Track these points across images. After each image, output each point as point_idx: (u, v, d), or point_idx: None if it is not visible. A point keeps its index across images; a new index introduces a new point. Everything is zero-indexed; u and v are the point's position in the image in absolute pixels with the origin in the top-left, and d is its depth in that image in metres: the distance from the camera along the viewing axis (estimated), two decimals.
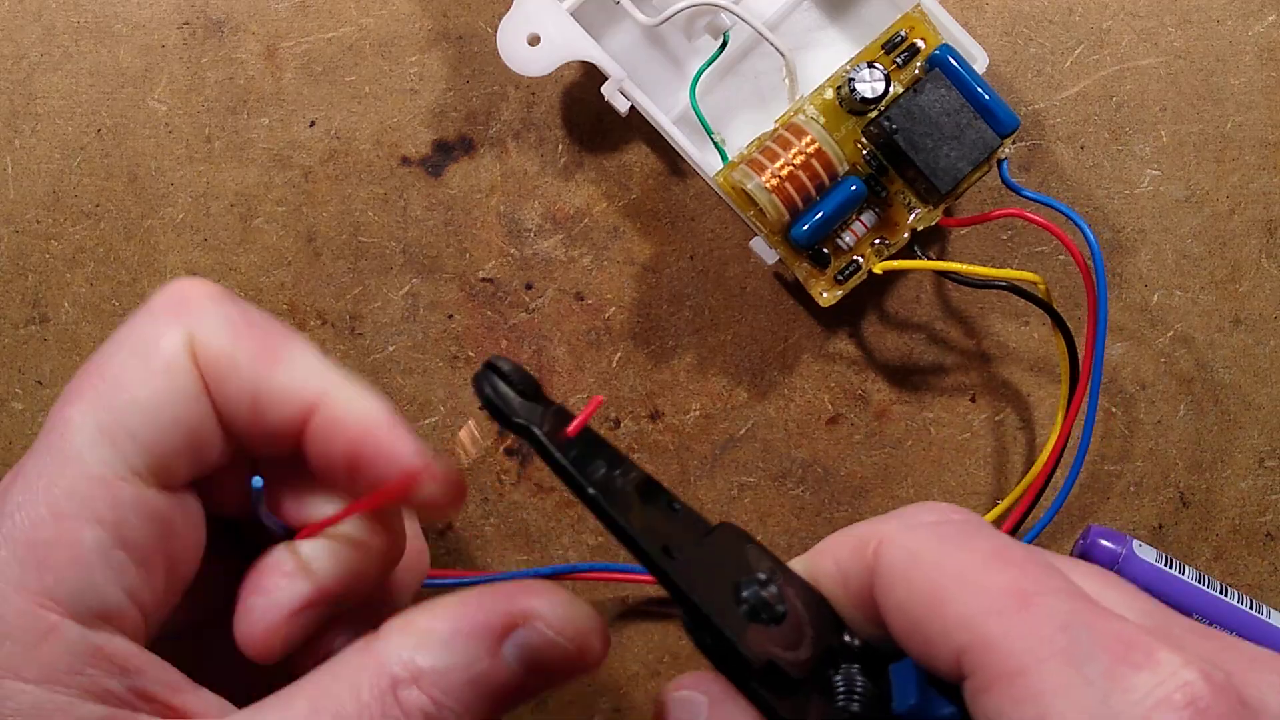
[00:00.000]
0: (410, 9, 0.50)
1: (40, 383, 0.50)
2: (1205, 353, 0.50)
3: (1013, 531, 0.48)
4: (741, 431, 0.50)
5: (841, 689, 0.29)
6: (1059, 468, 0.48)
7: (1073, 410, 0.47)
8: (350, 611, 0.37)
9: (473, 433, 0.36)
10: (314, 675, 0.32)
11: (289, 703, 0.31)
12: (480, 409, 0.30)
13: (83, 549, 0.31)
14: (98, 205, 0.50)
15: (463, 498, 0.35)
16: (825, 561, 0.31)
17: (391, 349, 0.50)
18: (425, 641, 0.31)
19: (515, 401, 0.29)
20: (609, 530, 0.29)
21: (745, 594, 0.29)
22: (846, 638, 0.30)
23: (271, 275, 0.50)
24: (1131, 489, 0.50)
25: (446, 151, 0.50)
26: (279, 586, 0.34)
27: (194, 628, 0.36)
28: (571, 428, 0.29)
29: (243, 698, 0.33)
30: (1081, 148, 0.50)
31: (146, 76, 0.50)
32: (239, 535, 0.37)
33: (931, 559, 0.28)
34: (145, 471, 0.32)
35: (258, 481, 0.33)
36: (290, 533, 0.35)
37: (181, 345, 0.32)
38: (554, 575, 0.49)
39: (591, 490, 0.29)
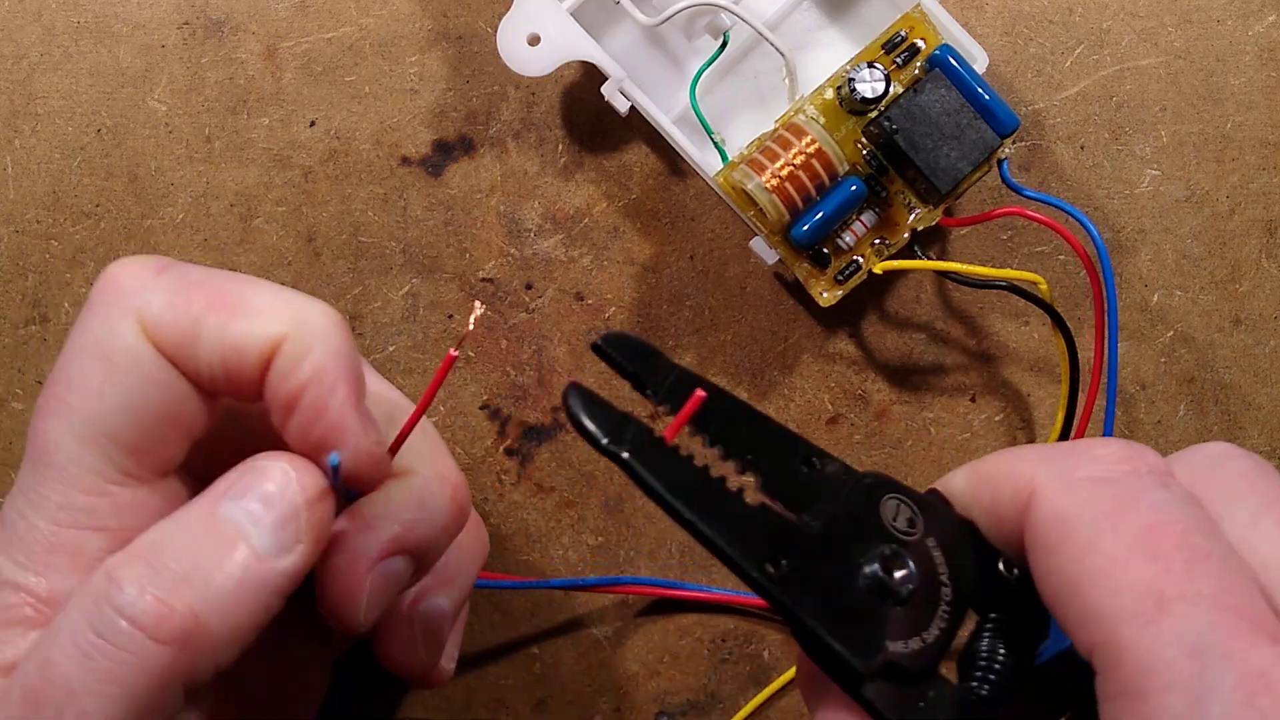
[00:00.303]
0: (410, 9, 0.50)
1: (40, 383, 0.50)
2: (1205, 353, 0.50)
3: None
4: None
5: (982, 660, 0.28)
6: None
7: (1086, 410, 0.46)
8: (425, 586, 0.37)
9: (478, 315, 0.35)
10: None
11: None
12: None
13: (88, 559, 0.31)
14: (98, 205, 0.50)
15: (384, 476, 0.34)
16: (981, 490, 0.29)
17: (391, 349, 0.50)
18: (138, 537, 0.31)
19: (604, 422, 0.28)
20: (718, 558, 0.28)
21: (866, 575, 0.28)
22: (1001, 567, 0.29)
23: (271, 275, 0.50)
24: None
25: (446, 151, 0.50)
26: (355, 541, 0.33)
27: None
28: (669, 431, 0.29)
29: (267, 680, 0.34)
30: (1081, 148, 0.50)
31: (146, 76, 0.50)
32: None
33: (1082, 534, 0.26)
34: (136, 469, 0.32)
35: (334, 458, 0.32)
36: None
37: (136, 332, 0.32)
38: (564, 588, 0.49)
39: (689, 515, 0.28)
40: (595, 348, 0.30)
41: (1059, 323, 0.46)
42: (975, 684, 0.28)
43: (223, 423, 0.35)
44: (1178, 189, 0.50)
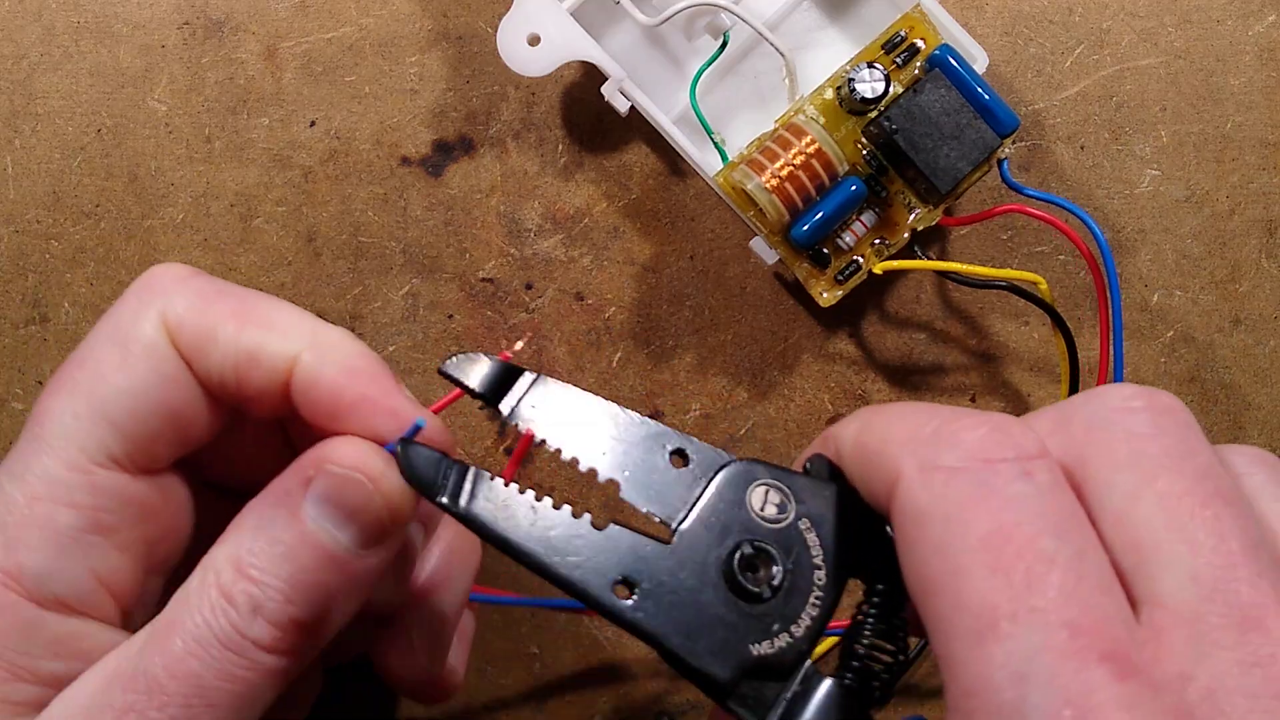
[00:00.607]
0: (410, 9, 0.50)
1: (40, 383, 0.50)
2: (1205, 353, 0.50)
3: None
4: (741, 431, 0.50)
5: (858, 646, 0.28)
6: None
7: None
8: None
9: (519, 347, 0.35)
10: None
11: (139, 633, 0.31)
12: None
13: (55, 533, 0.31)
14: (98, 205, 0.50)
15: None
16: (857, 467, 0.29)
17: (391, 349, 0.50)
18: (239, 531, 0.32)
19: (439, 475, 0.30)
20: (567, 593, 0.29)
21: (726, 575, 0.29)
22: (890, 529, 0.28)
23: (271, 275, 0.50)
24: None
25: (446, 151, 0.50)
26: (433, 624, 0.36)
27: None
28: (506, 472, 0.30)
29: None
30: (1081, 148, 0.50)
31: (146, 76, 0.50)
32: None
33: (933, 535, 0.25)
34: (124, 457, 0.32)
35: (420, 421, 0.32)
36: None
37: (157, 327, 0.33)
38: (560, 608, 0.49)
39: (534, 558, 0.29)
40: (441, 373, 0.31)
41: (1059, 323, 0.46)
42: (849, 674, 0.28)
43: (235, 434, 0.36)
44: (1178, 189, 0.50)
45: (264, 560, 0.31)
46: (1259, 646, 0.22)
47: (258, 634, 0.30)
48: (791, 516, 0.29)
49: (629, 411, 0.31)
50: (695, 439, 0.30)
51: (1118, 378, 0.47)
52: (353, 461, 0.32)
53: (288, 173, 0.50)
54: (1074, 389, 0.46)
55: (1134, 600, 0.24)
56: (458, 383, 0.31)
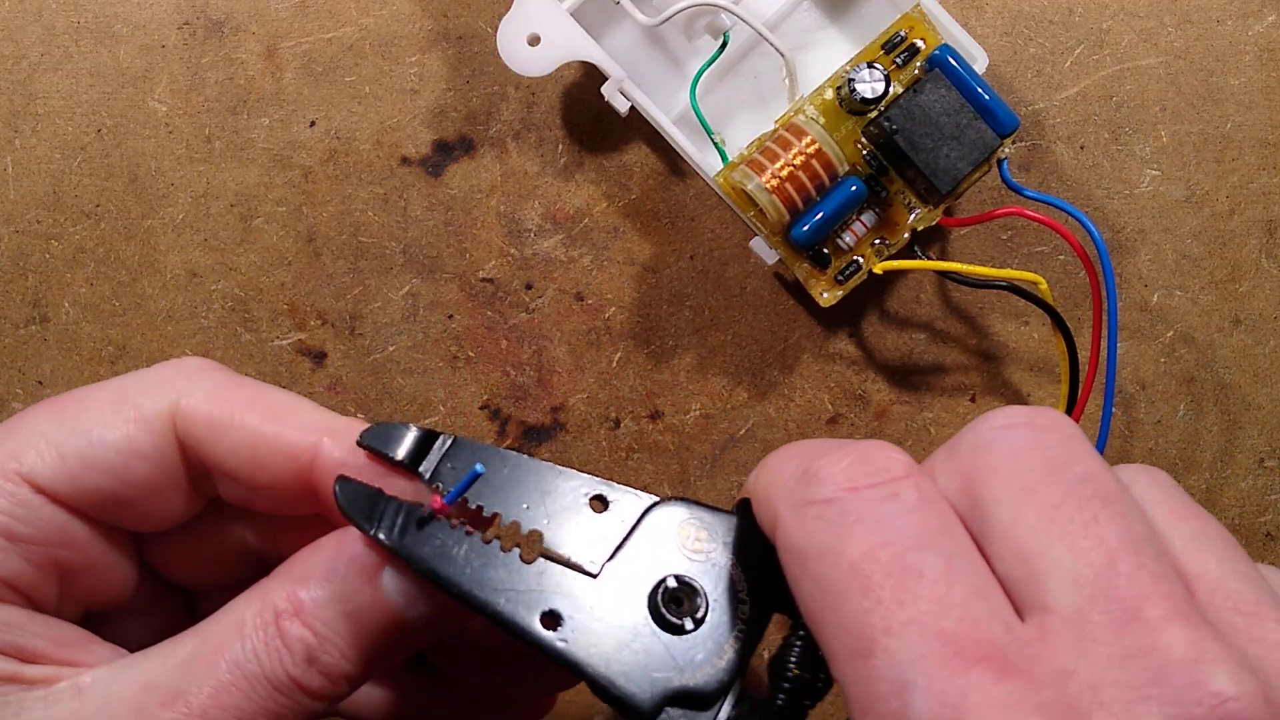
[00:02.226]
0: (410, 9, 0.50)
1: (40, 383, 0.50)
2: (1205, 353, 0.50)
3: None
4: (741, 431, 0.50)
5: (785, 671, 0.29)
6: None
7: (1078, 407, 0.47)
8: None
9: None
10: (208, 618, 0.32)
11: (179, 641, 0.32)
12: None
13: None
14: (98, 205, 0.50)
15: None
16: (760, 505, 0.29)
17: (391, 349, 0.50)
18: (306, 575, 0.32)
19: (369, 510, 0.30)
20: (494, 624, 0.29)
21: (650, 606, 0.29)
22: None
23: (271, 275, 0.50)
24: None
25: (446, 151, 0.50)
26: None
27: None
28: (437, 503, 0.30)
29: None
30: (1081, 148, 0.50)
31: (147, 76, 0.50)
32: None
33: (811, 569, 0.26)
34: (64, 495, 0.32)
35: (479, 468, 0.32)
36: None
37: (163, 408, 0.33)
38: None
39: (459, 589, 0.29)
40: (360, 444, 0.32)
41: (1059, 323, 0.46)
42: (779, 696, 0.29)
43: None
44: (1178, 189, 0.50)
45: (329, 615, 0.31)
46: (1137, 638, 0.23)
47: (308, 681, 0.31)
48: (716, 553, 0.30)
49: (546, 463, 0.31)
50: (615, 484, 0.31)
51: (1110, 380, 0.47)
52: None
53: (288, 173, 0.50)
54: (1074, 389, 0.46)
55: (1024, 609, 0.25)
56: (377, 452, 0.32)
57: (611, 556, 0.30)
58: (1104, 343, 0.47)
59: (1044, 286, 0.45)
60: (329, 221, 0.50)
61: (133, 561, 0.35)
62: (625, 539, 0.30)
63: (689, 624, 0.29)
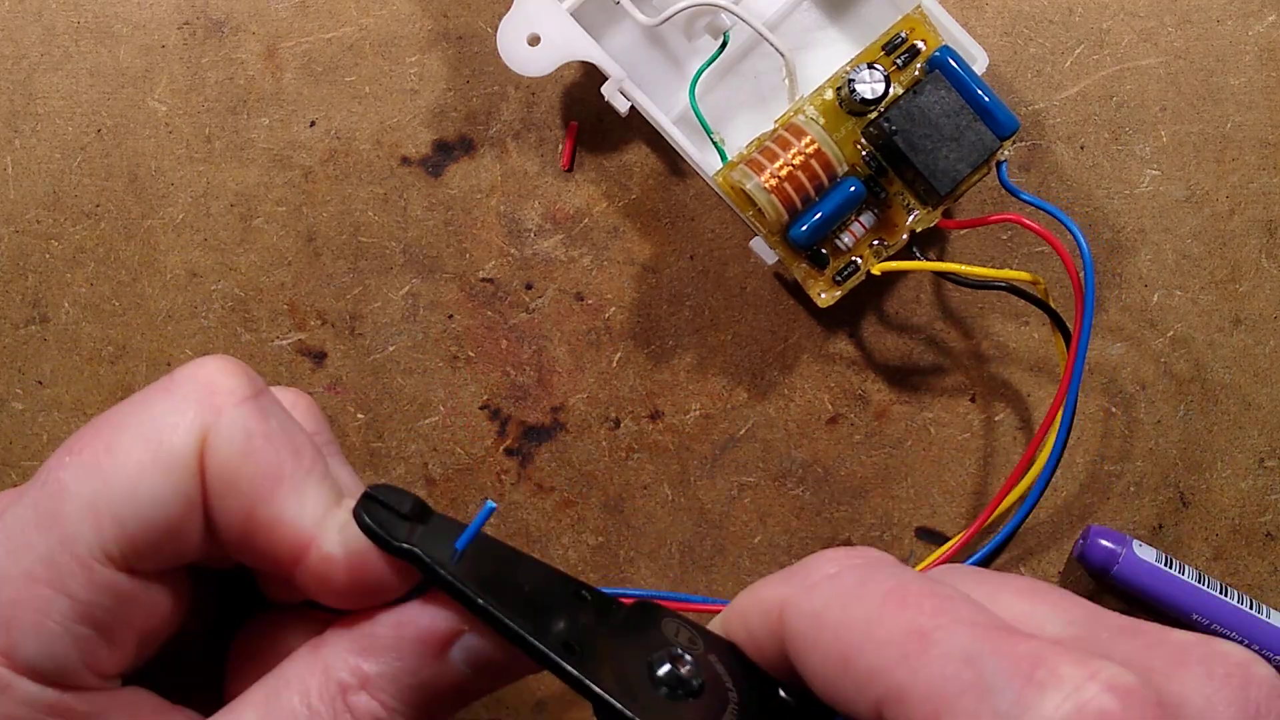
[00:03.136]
0: (410, 9, 0.50)
1: (40, 383, 0.50)
2: (1205, 353, 0.50)
3: (1009, 536, 0.49)
4: (741, 431, 0.50)
5: None
6: (1058, 468, 0.48)
7: (1050, 414, 0.47)
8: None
9: None
10: (263, 682, 0.32)
11: (238, 710, 0.31)
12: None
13: (49, 618, 0.31)
14: (98, 205, 0.50)
15: None
16: (737, 629, 0.31)
17: (391, 349, 0.50)
18: (371, 647, 0.31)
19: (397, 529, 0.30)
20: (510, 640, 0.29)
21: (659, 671, 0.29)
22: (783, 694, 0.30)
23: (271, 275, 0.50)
24: (1131, 489, 0.50)
25: (446, 151, 0.51)
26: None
27: (178, 652, 0.36)
28: (461, 541, 0.30)
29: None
30: (1081, 148, 0.50)
31: (146, 76, 0.50)
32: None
33: (834, 617, 0.27)
34: (120, 557, 0.31)
35: (491, 504, 0.32)
36: None
37: (193, 444, 0.32)
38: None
39: (481, 601, 0.29)
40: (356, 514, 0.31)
41: (1057, 322, 0.46)
42: None
43: None
44: (1178, 189, 0.50)
45: (397, 688, 0.31)
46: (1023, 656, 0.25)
47: None
48: (701, 650, 0.30)
49: (529, 556, 0.32)
50: (591, 586, 0.32)
51: (1074, 388, 0.46)
52: None
53: (288, 173, 0.50)
54: (1074, 388, 0.47)
55: None
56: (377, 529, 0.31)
57: (609, 626, 0.31)
58: (1074, 360, 0.47)
59: (1042, 285, 0.46)
60: (329, 221, 0.50)
61: (185, 592, 0.34)
62: (613, 620, 0.31)
63: (693, 688, 0.29)
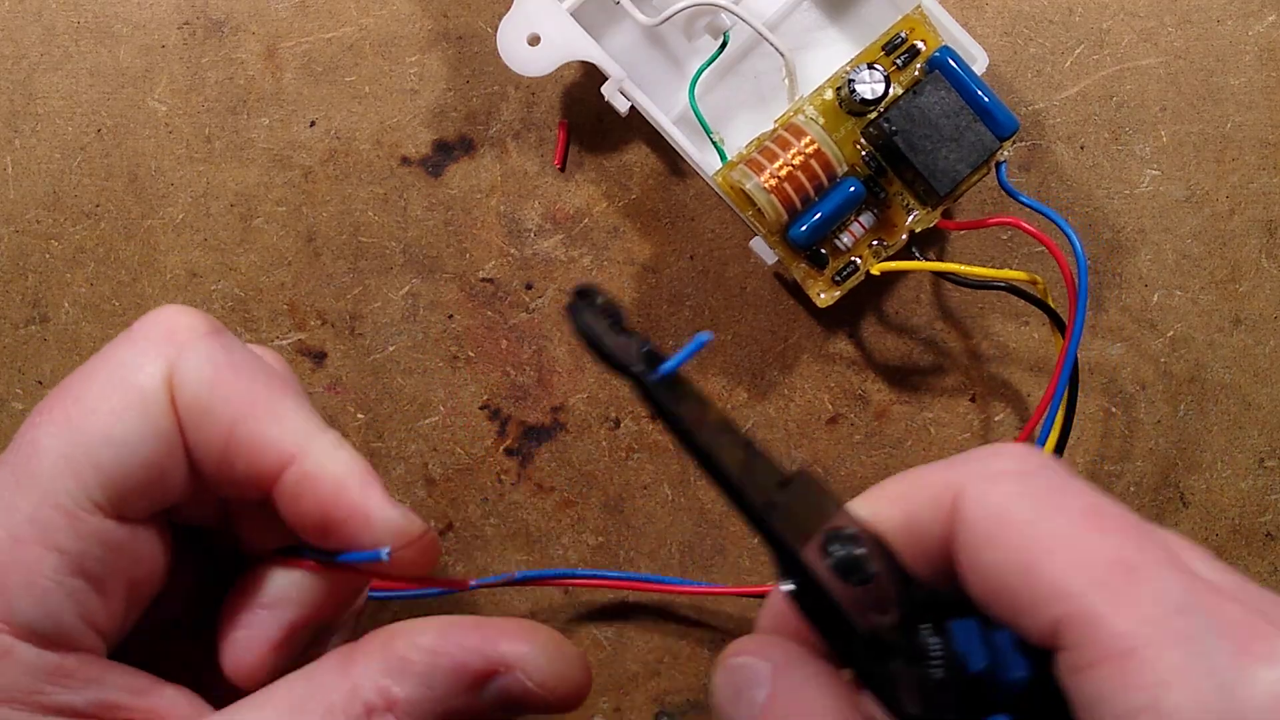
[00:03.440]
0: (410, 9, 0.51)
1: (40, 382, 0.50)
2: (1205, 353, 0.51)
3: None
4: (742, 431, 0.51)
5: (932, 652, 0.28)
6: None
7: (1039, 409, 0.47)
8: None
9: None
10: (289, 682, 0.32)
11: (260, 708, 0.32)
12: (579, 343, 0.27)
13: (40, 576, 0.31)
14: (98, 205, 0.50)
15: (435, 559, 0.35)
16: (892, 510, 0.29)
17: (391, 349, 0.50)
18: (403, 670, 0.31)
19: (613, 341, 0.27)
20: (717, 484, 0.27)
21: (834, 552, 0.28)
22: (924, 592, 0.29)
23: (271, 275, 0.50)
24: (1131, 489, 0.51)
25: (446, 151, 0.51)
26: (260, 620, 0.34)
27: (161, 627, 0.36)
28: (666, 366, 0.27)
29: (213, 689, 0.34)
30: (1081, 148, 0.51)
31: (146, 76, 0.51)
32: (203, 538, 0.37)
33: (1022, 518, 0.26)
34: (107, 504, 0.32)
35: (706, 335, 0.29)
36: None
37: (160, 380, 0.32)
38: (555, 579, 0.49)
39: (702, 448, 0.27)
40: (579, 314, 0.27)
41: (1056, 322, 0.47)
42: (932, 666, 0.28)
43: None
44: (1178, 189, 0.51)
45: (420, 716, 0.31)
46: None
47: None
48: (868, 535, 0.29)
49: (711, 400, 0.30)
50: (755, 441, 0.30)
51: (1058, 393, 0.46)
52: (543, 679, 0.32)
53: (288, 173, 0.51)
54: (1073, 390, 0.47)
55: None
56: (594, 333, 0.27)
57: (780, 493, 0.28)
58: (1063, 362, 0.47)
59: (1041, 285, 0.46)
60: (329, 221, 0.51)
61: (168, 542, 0.35)
62: (782, 487, 0.29)
63: (866, 576, 0.28)
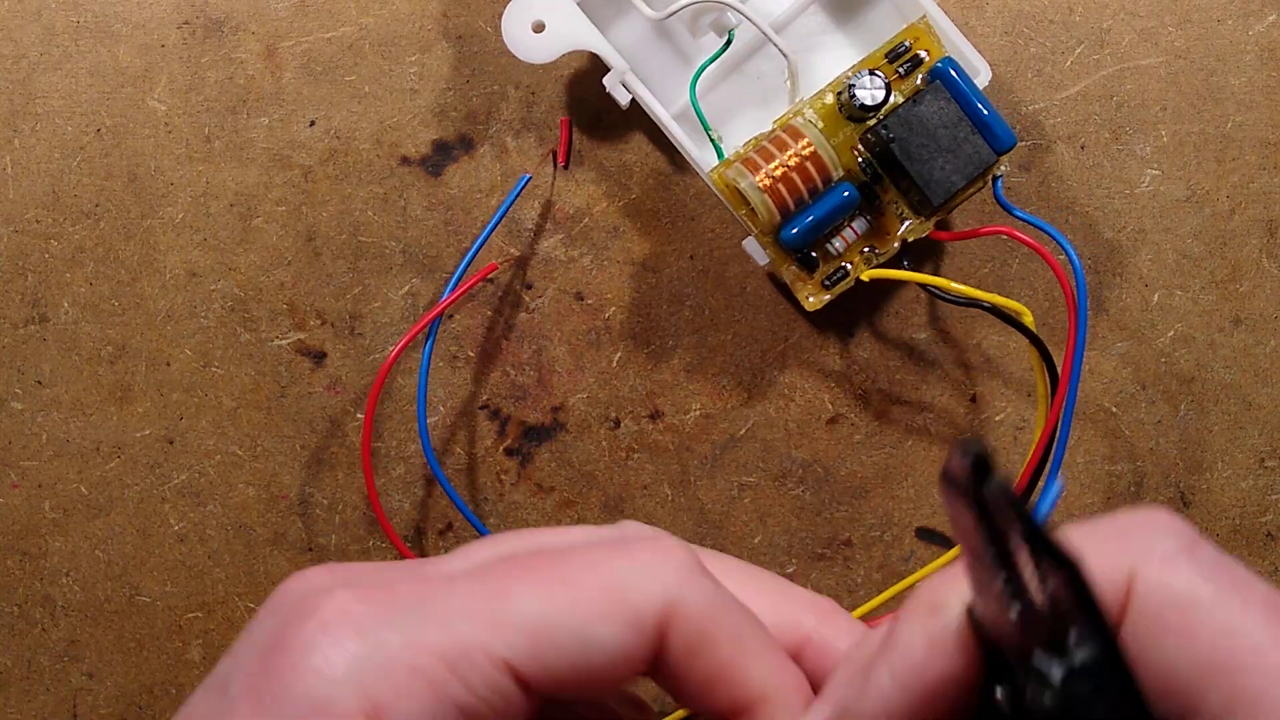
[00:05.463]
0: (410, 9, 0.53)
1: (40, 382, 0.53)
2: (1205, 353, 0.53)
3: None
4: (741, 431, 0.53)
5: None
6: (1060, 468, 0.49)
7: (1048, 426, 0.48)
8: None
9: None
10: None
11: None
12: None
13: (436, 698, 0.32)
14: (97, 205, 0.53)
15: None
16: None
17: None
18: None
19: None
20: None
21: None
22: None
23: (271, 275, 0.53)
24: (1131, 489, 0.53)
25: (446, 151, 0.53)
26: None
27: None
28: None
29: None
30: (1081, 148, 0.53)
31: (146, 76, 0.53)
32: None
33: (1211, 615, 0.26)
34: (539, 684, 0.32)
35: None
36: None
37: (657, 611, 0.33)
38: None
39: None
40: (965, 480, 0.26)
41: (1038, 346, 0.48)
42: None
43: None
44: (1178, 189, 0.53)
45: None
46: None
47: None
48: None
49: None
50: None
51: (1068, 409, 0.48)
52: None
53: (288, 172, 0.53)
54: (1068, 409, 0.48)
55: None
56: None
57: None
58: (1070, 377, 0.48)
59: (1029, 318, 0.47)
60: (329, 221, 0.53)
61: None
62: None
63: None
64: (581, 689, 0.33)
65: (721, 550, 0.51)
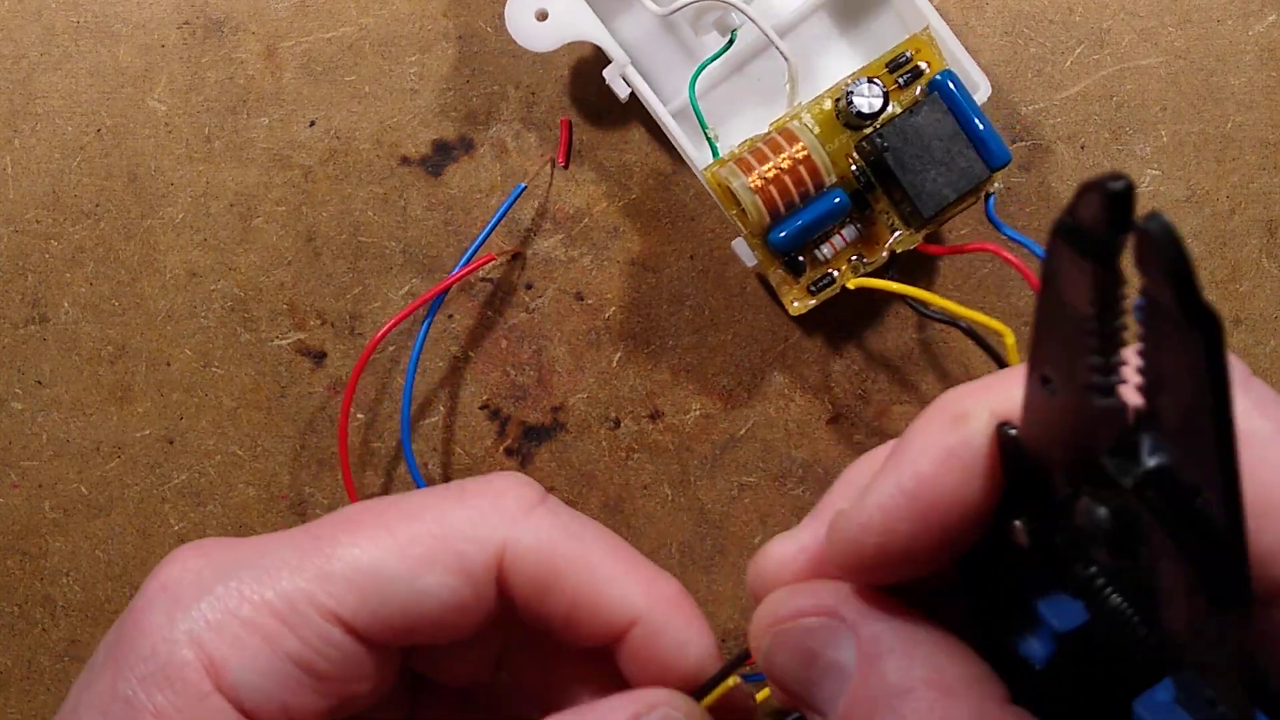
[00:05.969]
0: (410, 9, 0.54)
1: (40, 382, 0.53)
2: None
3: None
4: (741, 431, 0.54)
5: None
6: None
7: None
8: None
9: None
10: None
11: None
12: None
13: (273, 650, 0.33)
14: (97, 205, 0.53)
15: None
16: None
17: (391, 349, 0.53)
18: None
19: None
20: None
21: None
22: None
23: (271, 275, 0.53)
24: None
25: (446, 151, 0.54)
26: None
27: None
28: None
29: None
30: (1081, 148, 0.53)
31: (146, 76, 0.53)
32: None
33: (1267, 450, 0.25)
34: (363, 630, 0.34)
35: None
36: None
37: (489, 558, 0.34)
38: None
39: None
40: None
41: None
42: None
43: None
44: (1178, 189, 0.53)
45: None
46: None
47: None
48: None
49: None
50: None
51: None
52: None
53: (288, 172, 0.53)
54: None
55: None
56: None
57: None
58: None
59: (1011, 341, 0.48)
60: (329, 221, 0.53)
61: (395, 669, 0.36)
62: None
63: None
64: (420, 638, 0.35)
65: (721, 550, 0.52)
